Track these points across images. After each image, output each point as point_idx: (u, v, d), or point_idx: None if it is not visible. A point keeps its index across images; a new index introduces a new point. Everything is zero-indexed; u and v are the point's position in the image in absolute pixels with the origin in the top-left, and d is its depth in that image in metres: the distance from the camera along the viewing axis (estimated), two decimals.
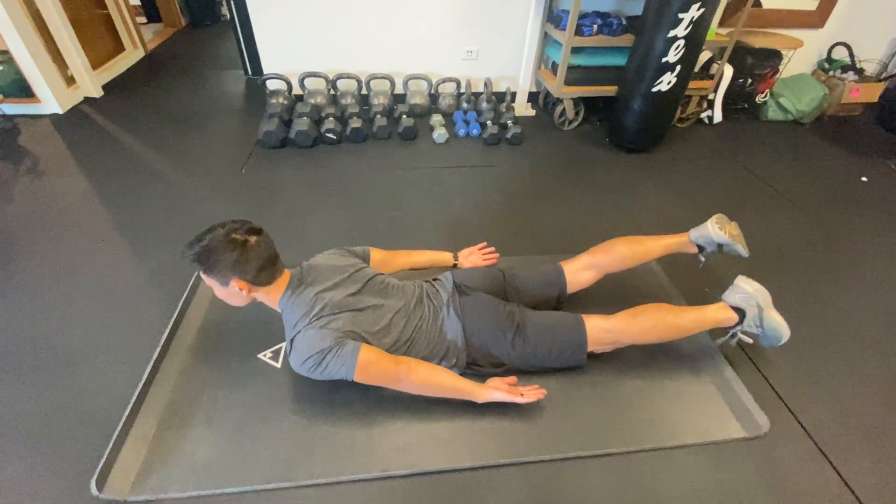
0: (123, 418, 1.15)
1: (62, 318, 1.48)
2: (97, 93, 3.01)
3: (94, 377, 1.30)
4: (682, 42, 2.17)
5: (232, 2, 3.03)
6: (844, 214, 2.22)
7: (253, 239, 1.09)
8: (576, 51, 2.57)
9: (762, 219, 2.15)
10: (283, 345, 1.40)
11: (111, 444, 1.10)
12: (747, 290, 1.31)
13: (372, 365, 1.11)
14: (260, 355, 1.37)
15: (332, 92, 2.87)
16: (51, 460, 1.11)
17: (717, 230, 1.39)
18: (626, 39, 2.52)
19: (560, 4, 2.74)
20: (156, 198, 2.09)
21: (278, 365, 1.35)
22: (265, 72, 2.86)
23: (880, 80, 3.21)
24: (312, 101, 2.77)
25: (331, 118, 2.58)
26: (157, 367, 1.29)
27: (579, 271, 1.45)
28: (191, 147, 2.51)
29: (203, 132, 2.68)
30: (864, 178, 2.52)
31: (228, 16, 4.85)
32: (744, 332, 1.32)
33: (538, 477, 1.13)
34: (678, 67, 2.26)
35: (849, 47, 3.16)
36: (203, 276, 1.12)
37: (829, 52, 3.25)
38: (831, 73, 3.19)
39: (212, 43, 4.21)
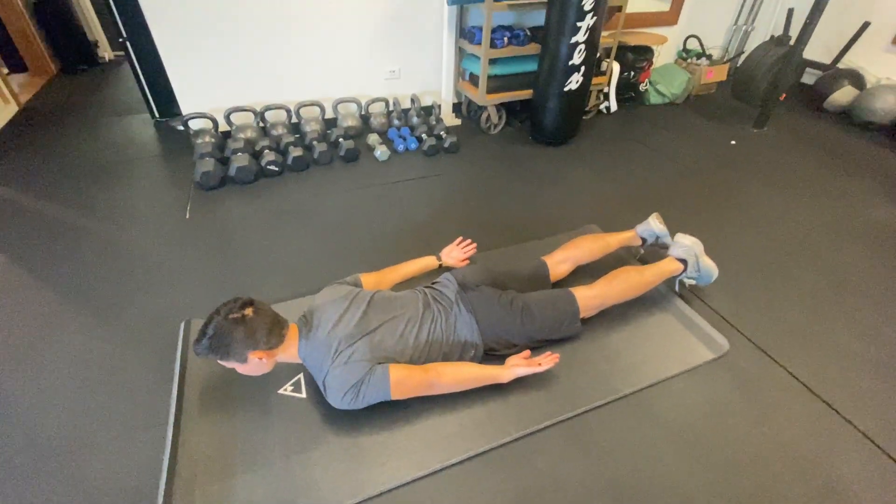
0: (163, 485, 1.09)
1: (36, 406, 1.33)
2: None
3: (105, 456, 1.20)
4: (583, 46, 2.52)
5: (128, 43, 2.82)
6: (723, 170, 2.74)
7: (249, 310, 1.14)
8: (491, 62, 2.83)
9: (662, 182, 2.59)
10: (300, 376, 1.41)
11: None
12: (686, 244, 1.65)
13: (404, 381, 1.19)
14: (280, 391, 1.36)
15: (261, 124, 2.81)
16: None
17: (658, 224, 1.75)
18: (533, 48, 2.83)
19: (469, 22, 2.99)
20: (96, 258, 1.90)
21: (303, 395, 1.35)
22: (184, 112, 2.72)
23: (725, 62, 3.94)
24: (243, 135, 2.69)
25: (268, 150, 2.54)
26: (178, 427, 1.22)
27: (558, 264, 1.68)
28: (117, 199, 2.31)
29: (125, 182, 2.47)
30: (732, 142, 3.10)
31: (108, 58, 4.52)
32: (687, 277, 1.66)
33: (572, 430, 1.29)
34: (583, 68, 2.61)
35: (698, 38, 3.85)
36: (222, 363, 1.14)
37: (685, 43, 3.92)
38: (689, 60, 3.85)
39: (97, 88, 3.83)
